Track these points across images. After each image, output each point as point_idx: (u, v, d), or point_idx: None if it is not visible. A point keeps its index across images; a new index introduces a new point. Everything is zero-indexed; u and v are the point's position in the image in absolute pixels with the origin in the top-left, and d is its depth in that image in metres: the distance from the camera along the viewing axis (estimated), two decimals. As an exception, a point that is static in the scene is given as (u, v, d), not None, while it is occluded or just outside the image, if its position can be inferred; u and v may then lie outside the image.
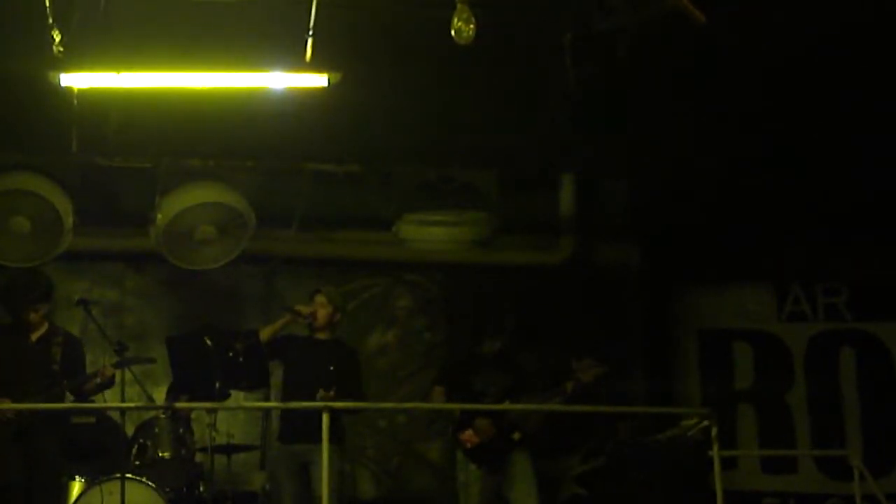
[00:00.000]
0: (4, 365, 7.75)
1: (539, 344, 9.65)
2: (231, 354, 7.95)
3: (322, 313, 8.30)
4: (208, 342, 7.94)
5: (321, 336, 8.35)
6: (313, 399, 7.69)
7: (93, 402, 8.11)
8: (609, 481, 8.97)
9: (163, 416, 8.23)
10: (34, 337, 7.86)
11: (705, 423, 8.17)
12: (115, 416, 8.11)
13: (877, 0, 7.54)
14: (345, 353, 8.42)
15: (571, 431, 8.60)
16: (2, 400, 7.55)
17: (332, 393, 7.81)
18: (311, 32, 7.05)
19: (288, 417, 8.19)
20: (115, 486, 7.44)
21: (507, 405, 8.40)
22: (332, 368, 8.14)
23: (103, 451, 8.35)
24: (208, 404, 7.99)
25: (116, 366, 7.70)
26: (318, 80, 7.67)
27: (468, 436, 8.40)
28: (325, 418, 7.12)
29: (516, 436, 8.44)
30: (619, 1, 7.48)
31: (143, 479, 7.84)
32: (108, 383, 7.84)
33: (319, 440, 7.16)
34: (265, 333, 8.24)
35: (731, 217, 10.12)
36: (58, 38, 6.68)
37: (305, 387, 8.01)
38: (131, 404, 7.98)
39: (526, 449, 8.49)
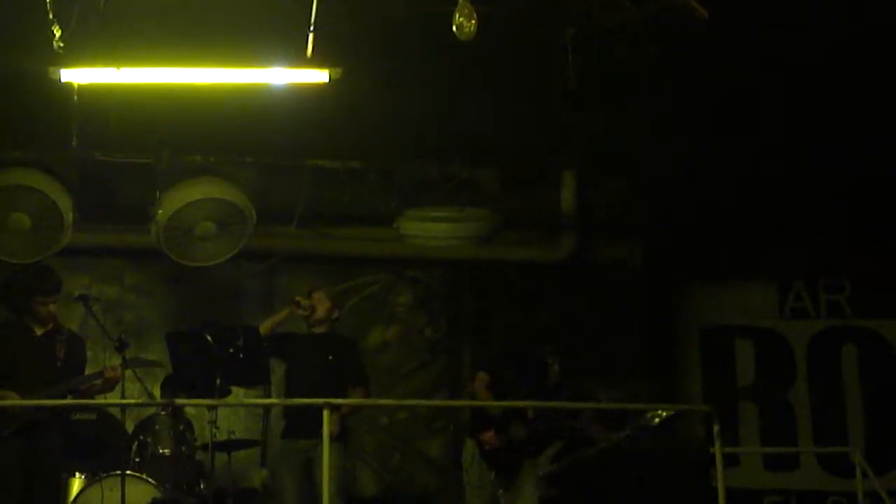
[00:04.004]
0: (9, 358, 7.73)
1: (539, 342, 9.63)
2: (231, 351, 7.94)
3: (321, 308, 8.33)
4: (209, 339, 7.93)
5: (318, 330, 8.36)
6: (315, 394, 7.68)
7: (93, 398, 8.09)
8: (597, 482, 8.95)
9: (163, 412, 8.22)
10: (40, 332, 7.84)
11: (669, 413, 8.19)
12: (116, 412, 8.09)
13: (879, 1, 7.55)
14: (342, 344, 8.44)
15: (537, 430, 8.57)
16: (8, 393, 7.53)
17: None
18: (311, 28, 7.04)
19: (291, 414, 8.18)
20: (115, 483, 7.43)
21: (506, 403, 8.38)
22: (330, 359, 8.16)
23: (104, 448, 8.33)
24: (209, 401, 7.97)
25: (121, 366, 7.67)
26: (319, 75, 7.65)
27: (489, 437, 8.35)
28: (326, 415, 7.09)
29: (518, 432, 8.42)
30: (620, -3, 7.48)
31: (144, 476, 7.83)
32: (109, 387, 7.82)
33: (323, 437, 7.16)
34: (266, 325, 8.29)
35: (732, 214, 10.10)
36: (58, 34, 6.67)
37: (306, 381, 8.02)
38: (132, 401, 7.97)
39: (531, 455, 8.48)
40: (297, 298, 8.34)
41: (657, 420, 8.17)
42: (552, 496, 8.58)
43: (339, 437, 7.91)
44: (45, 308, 7.80)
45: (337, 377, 8.11)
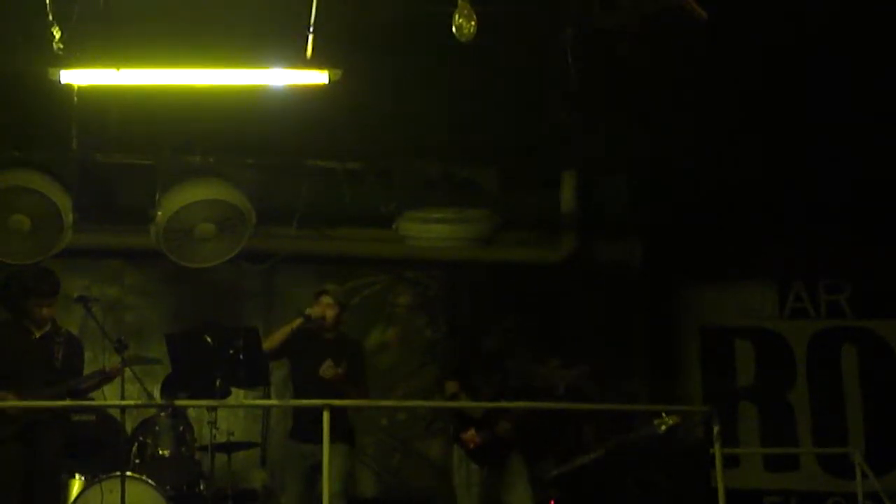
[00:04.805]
0: (7, 359, 7.73)
1: (539, 342, 9.63)
2: (231, 352, 7.94)
3: (330, 315, 8.31)
4: (208, 339, 7.93)
5: (328, 335, 8.34)
6: (322, 396, 7.67)
7: (93, 399, 8.09)
8: (597, 483, 8.95)
9: (163, 414, 8.21)
10: (38, 333, 7.84)
11: (675, 420, 8.17)
12: (116, 413, 8.08)
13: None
14: (350, 348, 8.42)
15: (541, 433, 8.57)
16: (6, 395, 7.53)
17: (339, 370, 7.88)
18: (311, 29, 7.03)
19: (300, 415, 8.15)
20: (114, 484, 7.42)
21: (504, 403, 8.38)
22: (339, 371, 8.11)
23: (103, 449, 8.32)
24: (208, 402, 7.97)
25: (122, 365, 7.67)
26: (319, 76, 7.64)
27: (471, 436, 8.37)
28: (326, 416, 7.09)
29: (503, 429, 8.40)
30: (620, -3, 7.48)
31: (143, 477, 7.83)
32: (106, 380, 7.82)
33: (332, 440, 7.15)
34: (275, 339, 8.22)
35: (733, 214, 10.10)
36: (58, 35, 6.66)
37: (313, 384, 7.98)
38: (132, 402, 7.96)
39: (521, 452, 8.47)
40: (308, 312, 8.27)
41: (664, 427, 8.15)
42: (551, 496, 8.58)
43: (345, 440, 7.91)
44: (43, 310, 7.81)
45: (342, 385, 8.08)
